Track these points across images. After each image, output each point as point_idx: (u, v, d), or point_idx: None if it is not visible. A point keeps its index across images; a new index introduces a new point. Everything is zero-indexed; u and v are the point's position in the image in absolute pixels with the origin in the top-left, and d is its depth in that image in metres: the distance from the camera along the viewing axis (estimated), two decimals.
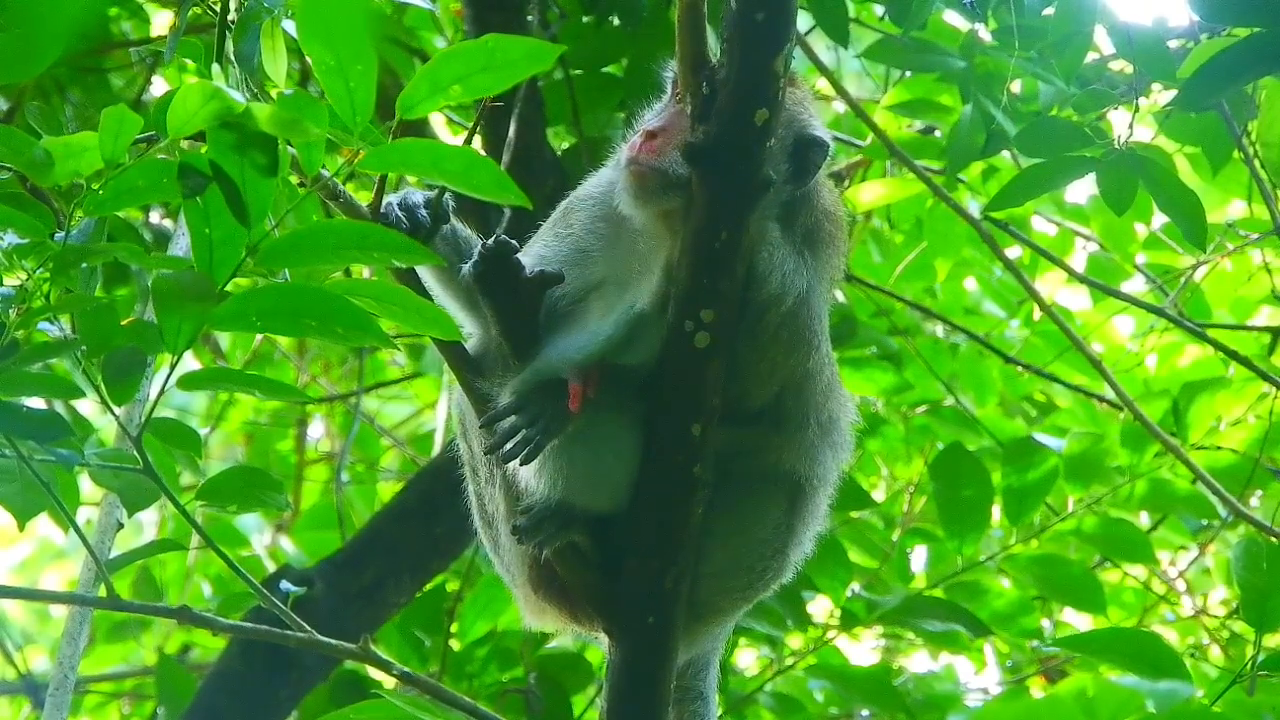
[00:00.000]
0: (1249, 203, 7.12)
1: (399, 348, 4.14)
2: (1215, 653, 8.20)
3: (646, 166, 4.30)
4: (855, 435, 4.72)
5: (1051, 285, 8.56)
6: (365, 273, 6.31)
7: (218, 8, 4.35)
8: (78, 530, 4.05)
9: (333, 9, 3.45)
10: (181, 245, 4.84)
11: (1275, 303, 7.54)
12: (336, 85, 3.54)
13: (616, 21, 6.83)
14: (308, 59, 3.57)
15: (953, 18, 6.67)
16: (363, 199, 4.22)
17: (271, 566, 8.62)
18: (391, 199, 4.29)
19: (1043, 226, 8.31)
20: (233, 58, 4.28)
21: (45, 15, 2.99)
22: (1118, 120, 6.13)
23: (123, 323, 3.74)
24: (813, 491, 4.58)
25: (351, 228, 3.77)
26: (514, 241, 4.38)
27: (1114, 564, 7.92)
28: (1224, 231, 7.10)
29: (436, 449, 8.62)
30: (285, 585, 4.27)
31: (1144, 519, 7.81)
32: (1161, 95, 6.42)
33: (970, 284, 8.45)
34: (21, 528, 3.91)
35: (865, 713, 7.70)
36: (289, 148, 3.64)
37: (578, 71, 7.07)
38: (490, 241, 4.34)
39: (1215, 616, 8.41)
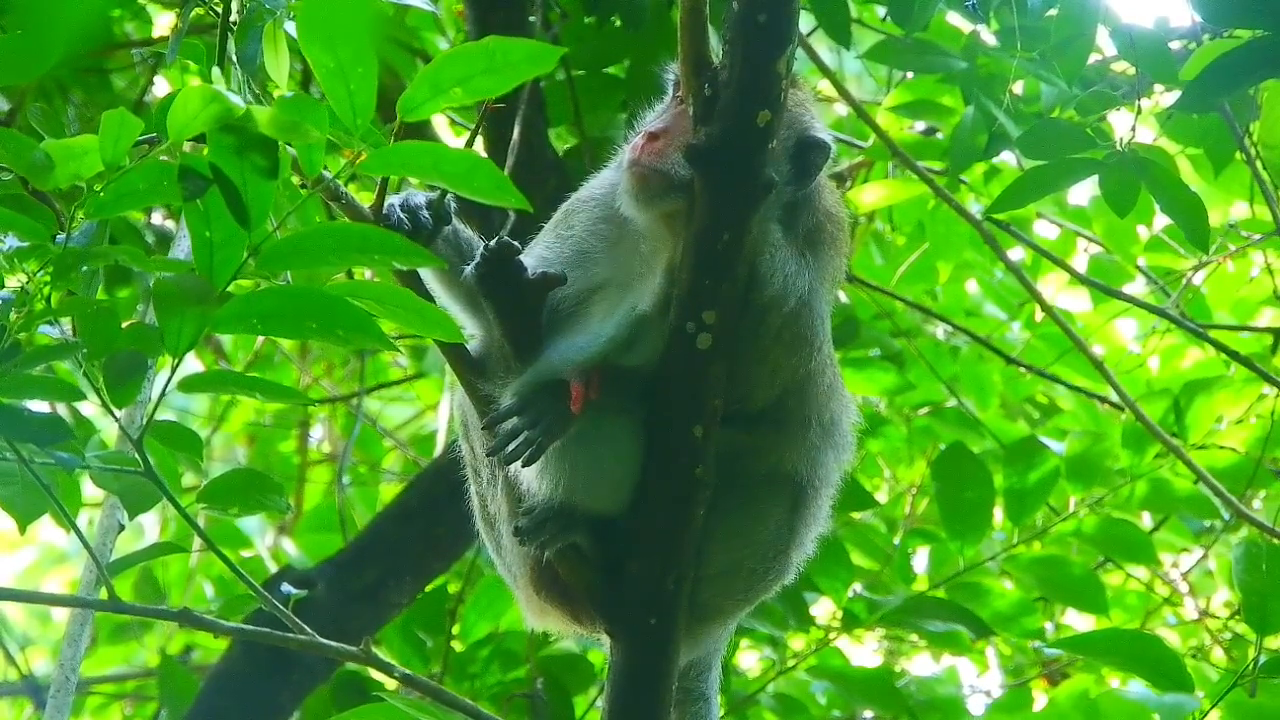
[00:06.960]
0: (1251, 204, 7.12)
1: (401, 349, 4.14)
2: (1218, 654, 8.19)
3: (648, 168, 4.30)
4: (857, 436, 4.71)
5: (1053, 287, 8.55)
6: (367, 274, 6.30)
7: (220, 9, 4.34)
8: (79, 533, 4.04)
9: (333, 11, 3.45)
10: (183, 247, 4.83)
11: (1277, 304, 7.54)
12: (337, 88, 3.54)
13: (619, 22, 6.83)
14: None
15: (955, 19, 6.67)
16: (365, 200, 4.22)
17: (274, 567, 8.63)
18: (394, 200, 4.29)
19: (1044, 228, 8.30)
20: (235, 59, 4.27)
21: (48, 16, 2.99)
22: (1120, 122, 6.12)
23: (124, 325, 3.73)
24: (814, 493, 4.58)
25: (353, 230, 3.77)
26: (516, 243, 4.38)
27: (1116, 565, 7.91)
28: (1226, 233, 7.09)
29: (438, 450, 8.62)
30: (286, 587, 4.27)
31: (1146, 521, 7.80)
32: (1164, 97, 6.42)
33: (972, 286, 8.44)
34: (23, 530, 3.90)
35: (867, 714, 7.69)
36: (290, 149, 3.63)
37: (580, 72, 7.07)
38: (492, 243, 4.34)
39: (1218, 618, 8.40)
